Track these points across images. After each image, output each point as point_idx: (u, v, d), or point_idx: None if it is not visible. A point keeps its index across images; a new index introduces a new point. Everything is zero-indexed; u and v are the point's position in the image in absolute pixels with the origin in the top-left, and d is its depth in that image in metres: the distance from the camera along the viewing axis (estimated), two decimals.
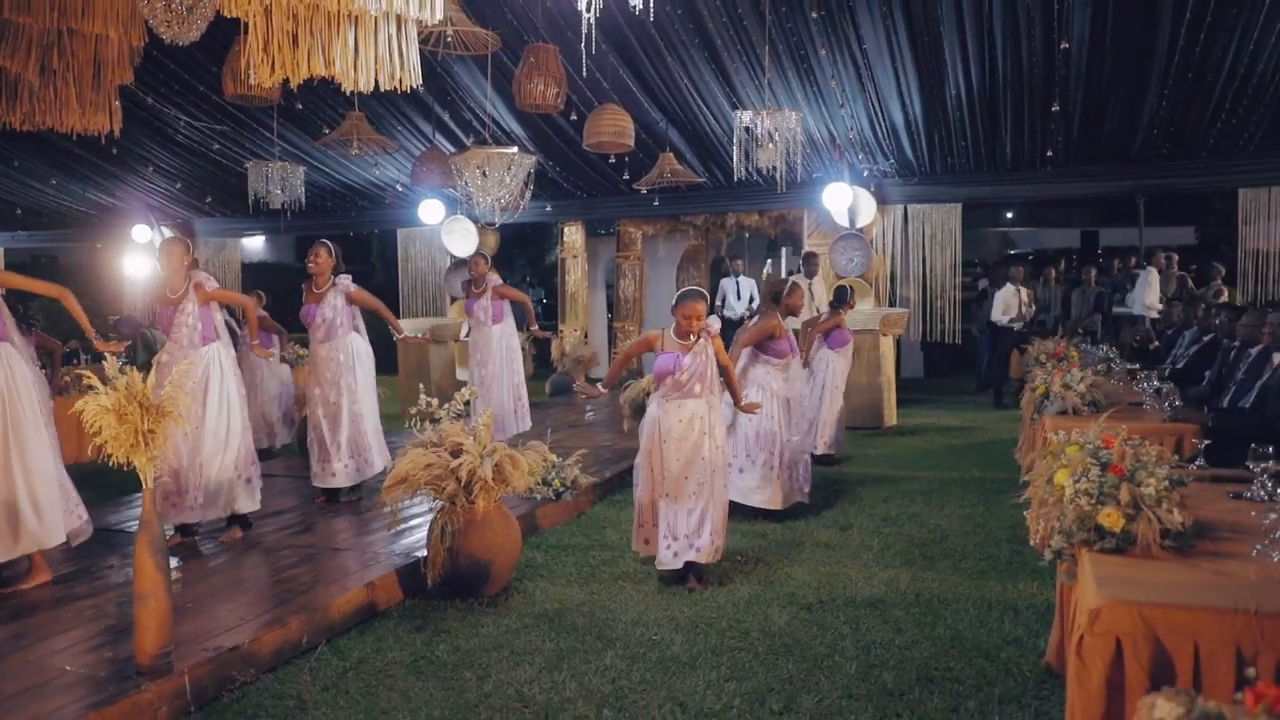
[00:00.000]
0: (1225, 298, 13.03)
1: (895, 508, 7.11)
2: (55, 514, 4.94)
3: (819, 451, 8.64)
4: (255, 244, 23.32)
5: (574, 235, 14.90)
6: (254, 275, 18.61)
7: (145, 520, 3.82)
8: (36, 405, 4.89)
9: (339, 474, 6.87)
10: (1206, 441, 4.51)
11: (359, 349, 6.95)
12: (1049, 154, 10.97)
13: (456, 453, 4.94)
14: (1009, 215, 32.43)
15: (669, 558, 5.31)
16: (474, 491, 4.93)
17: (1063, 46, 8.70)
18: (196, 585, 5.05)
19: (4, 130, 6.56)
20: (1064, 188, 12.13)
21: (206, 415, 5.73)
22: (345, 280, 6.91)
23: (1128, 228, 25.49)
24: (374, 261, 28.06)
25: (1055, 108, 9.73)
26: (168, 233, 16.14)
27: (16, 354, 4.91)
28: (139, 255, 16.52)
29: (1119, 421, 5.45)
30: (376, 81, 4.45)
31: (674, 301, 5.44)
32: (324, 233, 16.55)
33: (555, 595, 5.22)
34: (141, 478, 3.80)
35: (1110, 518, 3.05)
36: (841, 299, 9.16)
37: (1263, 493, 3.44)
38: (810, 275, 11.21)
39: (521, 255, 26.40)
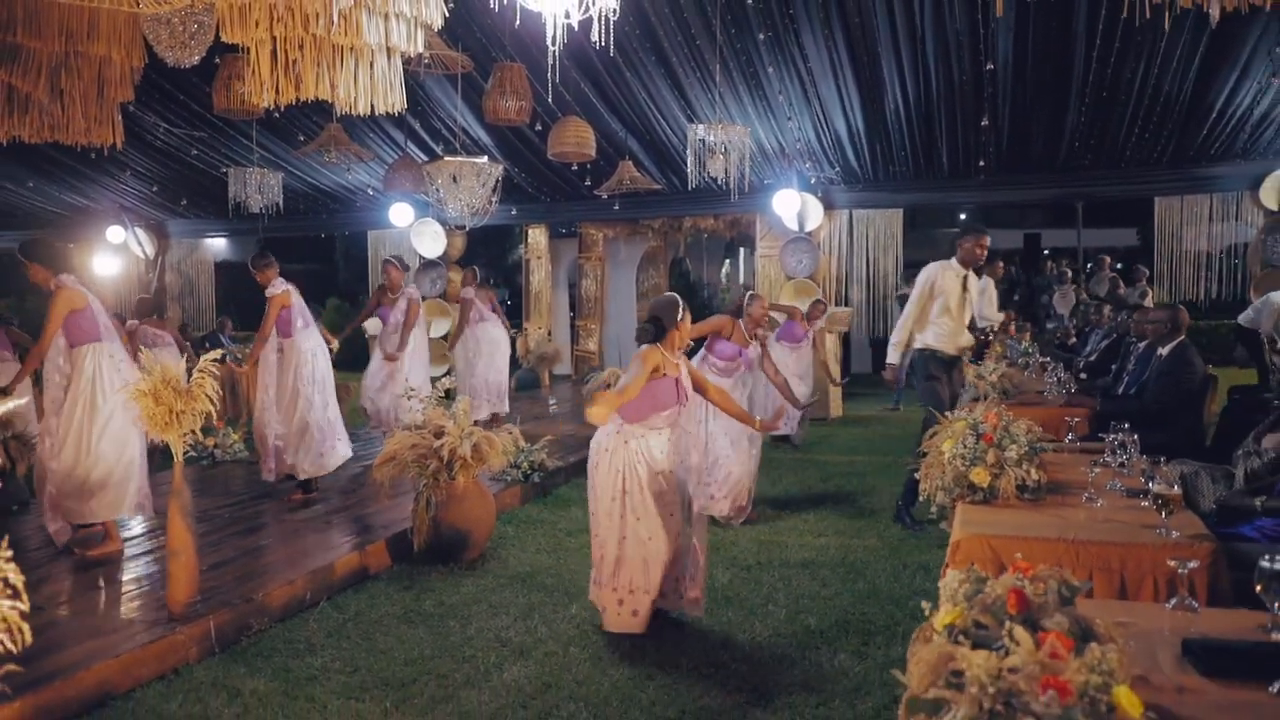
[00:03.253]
0: (1150, 299, 13.99)
1: (833, 487, 7.87)
2: (124, 490, 5.69)
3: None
4: (219, 244, 23.72)
5: (538, 237, 15.56)
6: (226, 273, 19.10)
7: (176, 489, 4.46)
8: (119, 394, 5.57)
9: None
10: (1078, 419, 5.28)
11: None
12: (981, 164, 11.78)
13: (439, 434, 5.61)
14: (962, 216, 33.56)
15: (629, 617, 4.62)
16: (455, 469, 5.60)
17: (988, 67, 9.50)
18: (210, 552, 5.67)
19: None
20: (998, 194, 12.96)
21: (302, 391, 7.14)
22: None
23: (1071, 229, 26.56)
24: (337, 260, 28.64)
25: (985, 122, 10.54)
26: (141, 233, 16.58)
27: (106, 350, 5.68)
28: (109, 255, 16.96)
29: (1022, 406, 6.26)
30: (371, 105, 5.12)
31: (679, 314, 4.70)
32: (298, 235, 17.18)
33: (526, 561, 5.90)
34: (173, 452, 4.43)
35: (979, 475, 3.80)
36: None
37: (1110, 459, 4.19)
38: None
39: (484, 255, 27.05)
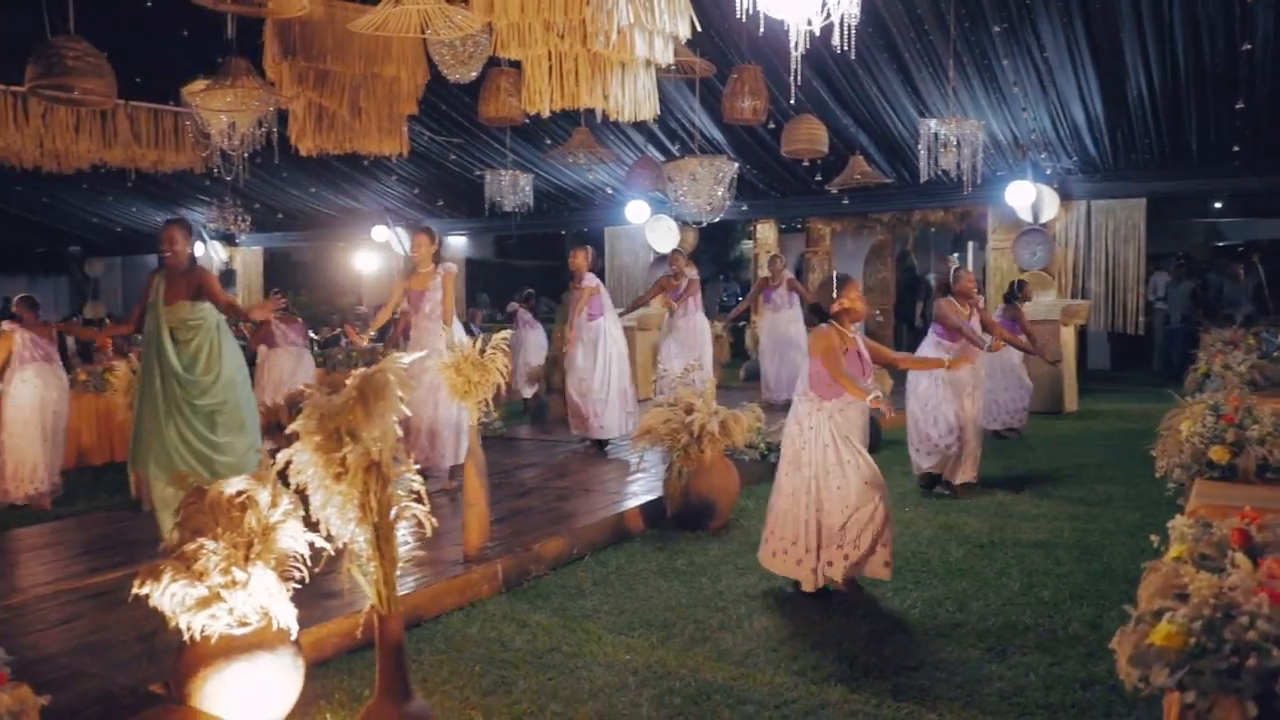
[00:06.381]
0: None
1: (1067, 475, 7.90)
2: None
3: (996, 428, 9.56)
4: (459, 241, 25.49)
5: (766, 232, 15.97)
6: (473, 269, 20.62)
7: (472, 449, 5.21)
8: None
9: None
10: None
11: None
12: (1236, 149, 11.26)
13: (689, 411, 6.16)
14: (1217, 205, 31.14)
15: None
16: (703, 443, 6.13)
17: (1245, 47, 9.14)
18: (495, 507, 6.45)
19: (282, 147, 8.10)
20: (1255, 181, 12.29)
21: (598, 366, 8.48)
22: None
23: None
24: (567, 257, 30.08)
25: (1240, 104, 10.11)
26: (402, 232, 18.19)
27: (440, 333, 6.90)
28: (370, 252, 18.80)
29: (1275, 398, 6.15)
30: (634, 113, 5.71)
31: (833, 291, 5.04)
32: (542, 232, 18.42)
33: None
34: (470, 416, 5.17)
35: (1218, 453, 3.94)
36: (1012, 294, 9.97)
37: None
38: None
39: (707, 251, 27.72)
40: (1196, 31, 9.10)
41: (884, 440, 8.81)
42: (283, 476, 3.17)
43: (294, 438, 2.72)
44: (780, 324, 11.68)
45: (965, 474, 7.22)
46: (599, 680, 4.07)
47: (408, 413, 2.74)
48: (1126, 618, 4.67)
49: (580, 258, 9.00)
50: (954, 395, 7.10)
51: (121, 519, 6.84)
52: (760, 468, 7.86)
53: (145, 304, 5.70)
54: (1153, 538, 2.43)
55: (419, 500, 2.76)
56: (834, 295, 5.02)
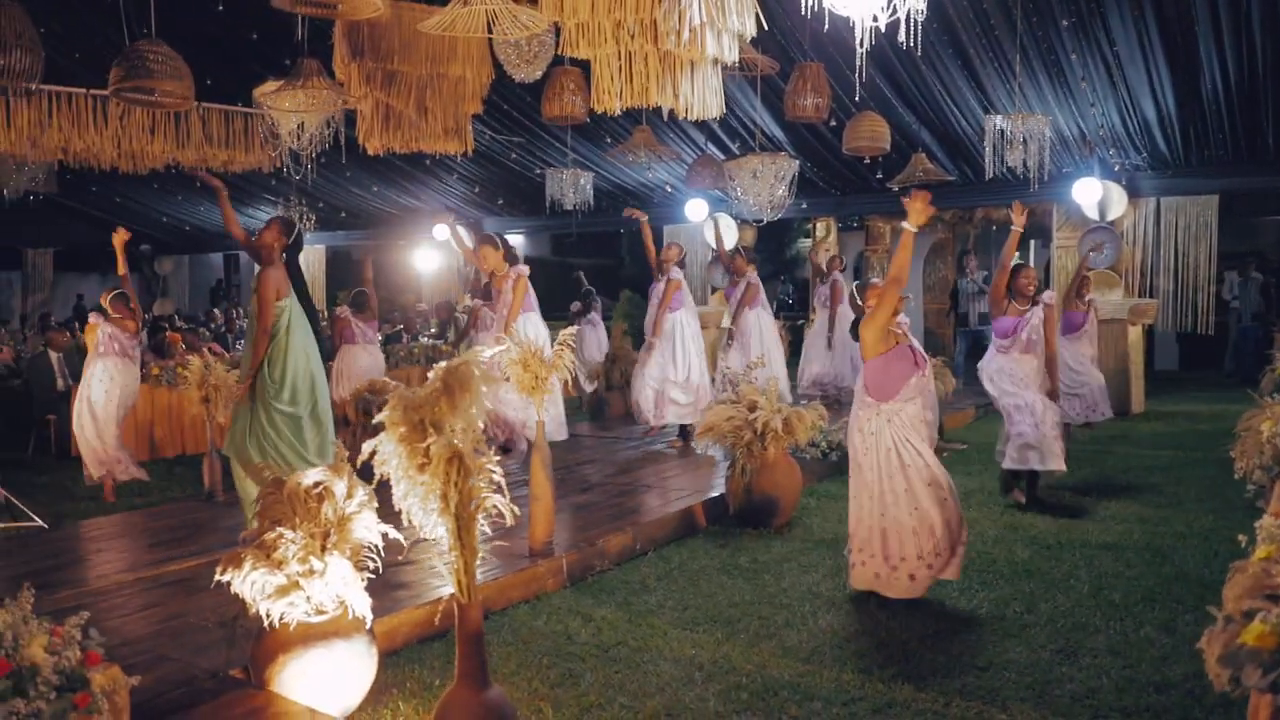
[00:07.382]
0: None
1: (1134, 478, 7.75)
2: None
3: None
4: (516, 240, 25.58)
5: (825, 231, 15.87)
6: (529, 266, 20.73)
7: (538, 444, 5.27)
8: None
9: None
10: None
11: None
12: None
13: (753, 408, 6.16)
14: None
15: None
16: (766, 440, 6.12)
17: None
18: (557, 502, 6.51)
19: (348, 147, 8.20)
20: None
21: (677, 356, 8.68)
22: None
23: None
24: (623, 256, 30.10)
25: None
26: (463, 231, 18.36)
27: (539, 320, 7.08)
28: (430, 250, 19.04)
29: None
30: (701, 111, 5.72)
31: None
32: (601, 230, 18.49)
33: (829, 529, 6.33)
34: (536, 410, 5.23)
35: None
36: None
37: None
38: None
39: (764, 249, 27.61)
40: (1275, 21, 8.87)
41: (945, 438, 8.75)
42: (362, 469, 3.24)
43: (362, 431, 2.80)
44: (834, 318, 12.04)
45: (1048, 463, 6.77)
46: (665, 674, 4.10)
47: (490, 406, 2.79)
48: (1202, 621, 4.60)
49: (674, 251, 9.30)
50: (1020, 386, 6.85)
51: (195, 509, 7.02)
52: (823, 466, 7.85)
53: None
54: (1240, 538, 2.40)
55: (499, 492, 2.82)
56: (859, 302, 5.18)
